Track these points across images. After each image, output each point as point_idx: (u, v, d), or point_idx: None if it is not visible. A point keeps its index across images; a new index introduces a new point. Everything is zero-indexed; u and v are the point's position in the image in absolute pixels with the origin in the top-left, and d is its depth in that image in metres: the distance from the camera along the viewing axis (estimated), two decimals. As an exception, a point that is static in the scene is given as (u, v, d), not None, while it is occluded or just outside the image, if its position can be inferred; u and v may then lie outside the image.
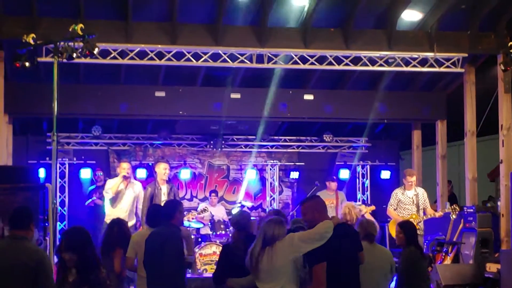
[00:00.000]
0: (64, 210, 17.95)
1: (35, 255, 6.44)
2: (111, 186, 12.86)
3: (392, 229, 13.06)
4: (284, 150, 19.98)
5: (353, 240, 7.25)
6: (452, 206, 13.35)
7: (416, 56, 14.74)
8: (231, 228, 14.07)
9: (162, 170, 12.75)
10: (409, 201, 13.10)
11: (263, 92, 16.26)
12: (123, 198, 12.83)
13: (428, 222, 13.46)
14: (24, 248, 6.48)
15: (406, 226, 9.04)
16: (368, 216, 12.62)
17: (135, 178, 14.96)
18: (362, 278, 7.42)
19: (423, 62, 14.88)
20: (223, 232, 14.59)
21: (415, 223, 12.74)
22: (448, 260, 13.38)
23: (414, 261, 8.59)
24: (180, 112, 16.17)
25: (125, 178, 12.84)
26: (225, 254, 8.36)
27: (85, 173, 18.22)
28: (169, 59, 14.17)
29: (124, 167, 12.96)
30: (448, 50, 14.66)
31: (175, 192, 12.84)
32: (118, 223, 8.95)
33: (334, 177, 15.60)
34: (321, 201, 7.33)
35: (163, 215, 8.54)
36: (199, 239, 14.82)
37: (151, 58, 14.10)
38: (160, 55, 14.19)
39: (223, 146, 19.21)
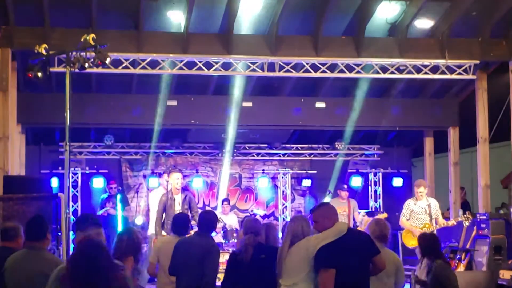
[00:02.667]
0: (77, 220, 17.97)
1: (54, 265, 6.45)
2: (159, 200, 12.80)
3: (406, 239, 13.04)
4: (296, 158, 19.98)
5: (365, 245, 7.07)
6: (465, 215, 13.29)
7: (428, 63, 14.73)
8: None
9: (174, 180, 12.73)
10: (422, 211, 13.06)
11: (275, 101, 16.28)
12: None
13: (441, 230, 13.41)
14: (43, 259, 6.50)
15: (422, 238, 8.99)
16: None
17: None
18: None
19: (435, 69, 14.86)
20: (235, 240, 14.59)
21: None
22: (461, 268, 13.33)
23: (443, 275, 8.53)
24: (192, 121, 16.21)
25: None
26: (233, 261, 8.30)
27: (98, 183, 18.25)
28: (180, 68, 14.21)
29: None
30: (459, 57, 14.65)
31: (190, 200, 12.75)
32: (128, 232, 8.97)
33: (345, 186, 15.55)
34: (332, 208, 7.27)
35: (201, 225, 8.71)
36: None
37: (163, 68, 14.15)
38: (171, 64, 14.23)
39: (235, 154, 19.21)
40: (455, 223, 13.16)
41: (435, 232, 12.91)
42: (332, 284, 6.59)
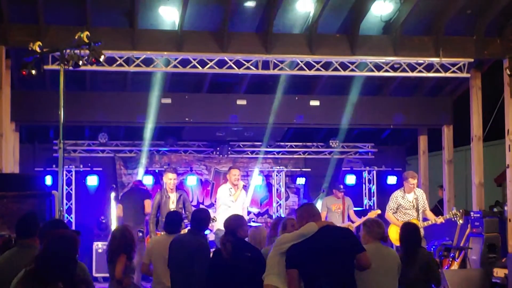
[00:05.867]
0: (71, 217, 17.96)
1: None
2: (233, 196, 13.00)
3: (391, 234, 12.97)
4: (291, 156, 19.97)
5: (342, 243, 6.92)
6: (453, 211, 13.25)
7: (422, 61, 14.73)
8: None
9: (168, 180, 12.83)
10: (410, 206, 12.85)
11: (269, 99, 16.28)
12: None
13: (435, 227, 13.36)
14: (33, 257, 6.48)
15: (404, 228, 8.96)
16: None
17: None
18: (374, 280, 7.28)
19: (429, 67, 14.87)
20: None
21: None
22: (455, 265, 13.35)
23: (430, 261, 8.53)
24: (186, 119, 16.19)
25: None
26: (214, 259, 8.26)
27: (92, 180, 18.24)
28: (175, 66, 14.20)
29: (234, 174, 13.14)
30: (454, 55, 14.65)
31: (184, 200, 12.87)
32: (121, 230, 9.00)
33: (341, 186, 15.49)
34: (311, 209, 7.26)
35: (194, 223, 8.78)
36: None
37: (157, 65, 14.13)
38: (166, 62, 14.21)
39: (229, 152, 19.21)
40: (443, 221, 13.04)
41: (422, 230, 12.81)
42: (294, 283, 6.66)
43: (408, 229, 8.70)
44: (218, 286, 7.90)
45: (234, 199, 12.93)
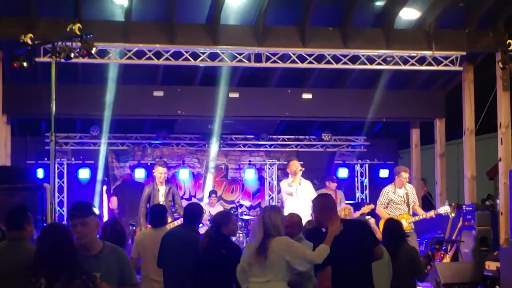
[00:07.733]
0: (63, 210, 17.92)
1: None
2: (293, 183, 13.08)
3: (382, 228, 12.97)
4: (283, 149, 19.95)
5: (363, 237, 6.98)
6: (445, 208, 13.25)
7: (415, 54, 14.73)
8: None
9: (158, 174, 12.75)
10: (401, 200, 12.86)
11: (262, 91, 16.24)
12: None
13: (427, 221, 13.37)
14: (23, 249, 6.45)
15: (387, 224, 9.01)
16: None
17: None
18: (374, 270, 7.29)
19: (422, 60, 14.87)
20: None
21: (407, 223, 12.63)
22: (447, 259, 13.38)
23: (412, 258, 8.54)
24: (179, 112, 16.15)
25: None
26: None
27: (84, 173, 18.20)
28: (167, 59, 14.16)
29: (293, 163, 13.30)
30: (446, 48, 14.65)
31: (174, 193, 12.79)
32: (111, 223, 8.96)
33: (334, 177, 15.53)
34: (327, 201, 7.20)
35: (186, 217, 8.84)
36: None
37: (149, 58, 14.09)
38: (158, 55, 14.17)
39: (221, 145, 19.18)
40: (433, 216, 13.05)
41: (413, 224, 12.79)
42: (328, 281, 6.59)
43: (390, 225, 8.84)
44: (194, 277, 7.95)
45: (295, 184, 12.96)
